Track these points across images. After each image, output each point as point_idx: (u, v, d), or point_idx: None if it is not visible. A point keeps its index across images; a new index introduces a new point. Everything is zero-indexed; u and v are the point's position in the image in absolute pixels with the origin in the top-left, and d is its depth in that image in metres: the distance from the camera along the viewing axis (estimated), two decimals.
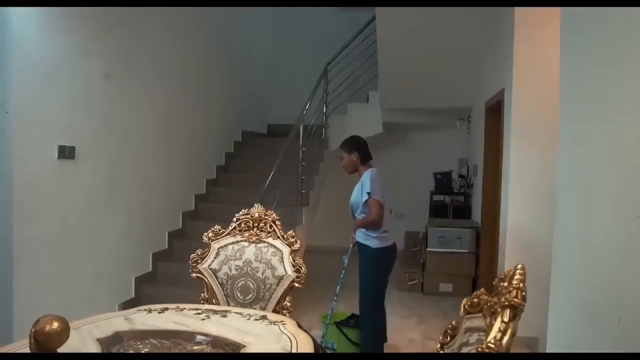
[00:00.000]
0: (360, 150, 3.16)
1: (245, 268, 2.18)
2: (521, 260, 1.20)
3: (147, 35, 4.02)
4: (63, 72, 3.12)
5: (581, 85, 2.03)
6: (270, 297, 2.12)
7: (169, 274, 4.21)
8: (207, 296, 2.17)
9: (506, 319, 1.00)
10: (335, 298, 3.35)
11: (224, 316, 1.78)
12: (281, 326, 1.68)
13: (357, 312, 3.24)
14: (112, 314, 1.79)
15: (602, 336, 1.71)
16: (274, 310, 2.08)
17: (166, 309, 1.82)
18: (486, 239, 4.51)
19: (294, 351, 1.46)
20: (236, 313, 1.83)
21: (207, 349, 1.48)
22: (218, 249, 2.22)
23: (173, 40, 4.47)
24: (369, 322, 3.08)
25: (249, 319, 1.76)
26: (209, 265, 2.19)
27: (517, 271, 1.07)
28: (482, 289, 1.23)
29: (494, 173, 4.21)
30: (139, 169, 3.97)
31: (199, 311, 1.83)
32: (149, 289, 4.04)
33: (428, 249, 4.98)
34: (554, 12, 2.47)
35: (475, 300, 1.22)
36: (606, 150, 1.77)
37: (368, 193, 2.98)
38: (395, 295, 4.89)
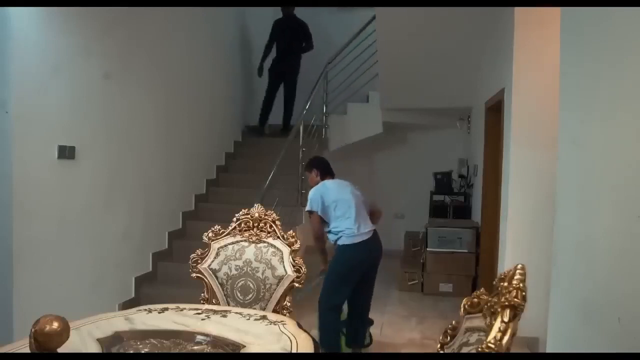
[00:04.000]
0: (319, 167, 3.39)
1: (245, 268, 2.18)
2: (521, 260, 1.20)
3: (147, 35, 4.02)
4: (63, 72, 3.12)
5: (581, 85, 2.03)
6: (270, 297, 2.12)
7: (169, 274, 4.21)
8: (207, 296, 2.17)
9: (506, 319, 1.00)
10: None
11: (224, 316, 1.78)
12: (281, 326, 1.68)
13: None
14: (112, 314, 1.79)
15: (602, 336, 1.72)
16: (274, 310, 2.08)
17: (166, 309, 1.82)
18: (486, 239, 4.51)
19: (294, 351, 1.47)
20: (236, 313, 1.83)
21: (207, 349, 1.48)
22: (218, 249, 2.22)
23: (173, 40, 4.47)
24: (320, 320, 3.10)
25: (249, 319, 1.76)
26: (209, 265, 2.19)
27: (517, 271, 1.07)
28: (482, 289, 1.23)
29: (494, 173, 4.21)
30: (139, 169, 3.97)
31: (199, 311, 1.83)
32: (149, 289, 4.03)
33: (428, 249, 4.97)
34: (554, 12, 2.46)
35: (475, 300, 1.22)
36: (606, 150, 1.77)
37: (306, 210, 3.23)
38: (395, 295, 4.89)
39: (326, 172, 3.39)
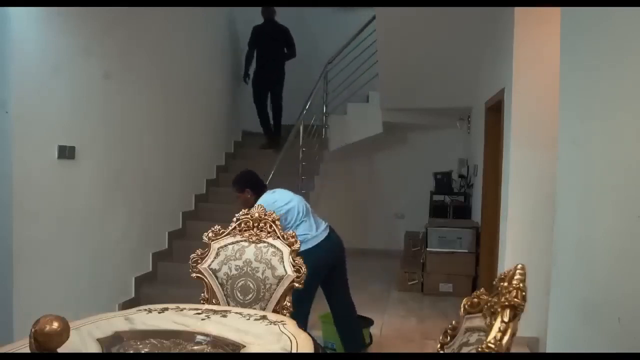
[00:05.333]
0: (251, 185, 3.08)
1: (245, 268, 2.18)
2: (521, 260, 1.20)
3: (147, 35, 4.03)
4: (63, 72, 3.12)
5: (581, 85, 2.03)
6: (270, 297, 2.12)
7: (169, 274, 4.21)
8: (207, 296, 2.17)
9: (506, 319, 1.00)
10: None
11: (224, 316, 1.78)
12: (281, 326, 1.68)
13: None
14: (112, 314, 1.79)
15: (602, 336, 1.72)
16: (274, 310, 2.08)
17: (166, 309, 1.82)
18: (486, 239, 4.51)
19: (294, 351, 1.46)
20: (236, 313, 1.83)
21: (207, 349, 1.48)
22: (218, 249, 2.22)
23: (173, 40, 4.47)
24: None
25: (249, 319, 1.76)
26: (209, 265, 2.19)
27: (517, 271, 1.07)
28: (482, 289, 1.23)
29: (494, 173, 4.21)
30: (139, 169, 3.97)
31: (199, 311, 1.83)
32: (149, 289, 4.04)
33: (428, 249, 4.97)
34: (554, 12, 2.47)
35: (475, 300, 1.22)
36: (606, 150, 1.77)
37: None
38: (395, 295, 4.89)
39: (261, 187, 3.10)
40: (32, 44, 2.88)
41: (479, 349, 0.99)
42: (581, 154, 2.00)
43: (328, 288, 3.10)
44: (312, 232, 2.95)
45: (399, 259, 5.56)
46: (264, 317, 1.78)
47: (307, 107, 5.24)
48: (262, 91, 5.68)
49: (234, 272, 2.18)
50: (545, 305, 2.27)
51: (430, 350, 3.31)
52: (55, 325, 1.09)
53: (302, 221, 2.95)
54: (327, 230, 3.02)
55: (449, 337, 1.33)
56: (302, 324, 2.85)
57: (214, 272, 2.18)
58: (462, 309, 1.26)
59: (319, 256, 2.89)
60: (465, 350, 1.20)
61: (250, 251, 2.21)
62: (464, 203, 5.76)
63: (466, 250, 4.88)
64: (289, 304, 2.11)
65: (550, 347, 2.24)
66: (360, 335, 3.23)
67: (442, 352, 1.32)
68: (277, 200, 2.94)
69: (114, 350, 1.43)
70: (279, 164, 4.56)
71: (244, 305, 2.11)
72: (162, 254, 4.34)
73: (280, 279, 2.13)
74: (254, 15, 5.98)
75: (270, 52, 5.61)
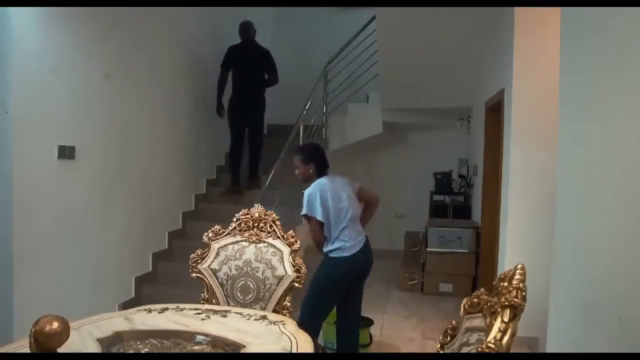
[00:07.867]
0: (316, 161, 2.90)
1: (245, 268, 2.18)
2: (521, 260, 1.20)
3: (147, 35, 4.02)
4: (63, 72, 3.11)
5: (581, 85, 2.03)
6: (270, 297, 2.13)
7: (169, 274, 4.21)
8: (207, 296, 2.17)
9: (506, 319, 1.01)
10: None
11: (224, 316, 1.78)
12: (281, 326, 1.68)
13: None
14: (112, 314, 1.79)
15: (602, 336, 1.72)
16: (274, 310, 2.08)
17: (166, 309, 1.82)
18: (486, 239, 4.51)
19: (294, 351, 1.47)
20: (236, 313, 1.83)
21: (207, 349, 1.48)
22: (218, 249, 2.22)
23: (173, 40, 4.47)
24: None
25: (249, 319, 1.76)
26: (209, 265, 2.19)
27: (517, 271, 1.07)
28: (482, 289, 1.23)
29: (494, 173, 4.21)
30: (139, 169, 3.97)
31: (199, 311, 1.83)
32: (149, 289, 4.03)
33: (428, 249, 4.97)
34: (554, 12, 2.47)
35: (475, 300, 1.22)
36: (606, 150, 1.77)
37: (302, 215, 2.77)
38: (395, 295, 4.89)
39: (324, 167, 2.91)
40: (32, 44, 2.88)
41: (479, 349, 0.99)
42: (581, 154, 2.00)
43: (344, 298, 2.93)
44: (351, 241, 2.80)
45: (399, 259, 5.56)
46: (264, 317, 1.79)
47: (307, 107, 5.24)
48: (238, 126, 4.98)
49: (234, 272, 2.18)
50: (545, 305, 2.27)
51: (430, 350, 3.31)
52: (55, 325, 1.09)
53: (346, 226, 2.79)
54: (364, 241, 2.87)
55: (449, 337, 1.33)
56: (315, 331, 2.75)
57: (214, 272, 2.18)
58: (462, 309, 1.26)
59: (345, 270, 2.80)
60: (465, 350, 1.20)
61: (250, 251, 2.21)
62: (464, 203, 5.77)
63: (466, 250, 4.88)
64: (289, 304, 2.11)
65: (550, 347, 2.24)
66: (357, 344, 3.12)
67: (442, 352, 1.32)
68: (329, 193, 2.78)
69: (114, 350, 1.43)
70: (279, 164, 4.56)
71: (244, 305, 2.11)
72: (162, 254, 4.34)
73: (280, 279, 2.13)
74: (253, 14, 5.99)
75: (248, 77, 4.89)
